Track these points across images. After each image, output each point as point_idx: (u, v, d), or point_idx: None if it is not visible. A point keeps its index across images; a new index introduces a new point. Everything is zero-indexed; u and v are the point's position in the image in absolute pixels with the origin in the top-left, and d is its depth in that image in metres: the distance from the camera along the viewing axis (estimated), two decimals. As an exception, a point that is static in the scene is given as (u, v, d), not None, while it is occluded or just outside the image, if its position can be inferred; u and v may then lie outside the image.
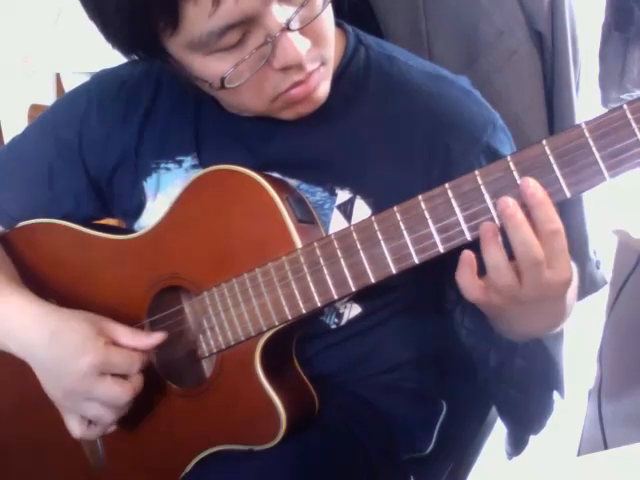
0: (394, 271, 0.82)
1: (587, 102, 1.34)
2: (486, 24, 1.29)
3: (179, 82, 0.99)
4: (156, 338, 0.98)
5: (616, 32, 1.35)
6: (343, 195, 0.99)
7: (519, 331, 0.94)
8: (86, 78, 1.15)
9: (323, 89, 0.93)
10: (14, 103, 2.18)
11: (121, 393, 0.95)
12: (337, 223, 0.98)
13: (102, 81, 1.12)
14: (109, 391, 0.94)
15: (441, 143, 0.96)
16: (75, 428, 1.00)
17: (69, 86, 2.04)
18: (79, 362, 0.94)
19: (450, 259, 0.96)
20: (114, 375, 0.95)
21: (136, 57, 0.93)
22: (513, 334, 0.96)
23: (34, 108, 2.09)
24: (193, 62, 0.88)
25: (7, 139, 1.20)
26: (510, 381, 1.20)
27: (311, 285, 0.88)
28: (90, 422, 1.00)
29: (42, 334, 0.98)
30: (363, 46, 1.02)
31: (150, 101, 1.08)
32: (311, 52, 0.87)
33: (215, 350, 0.98)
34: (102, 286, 1.06)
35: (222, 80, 0.87)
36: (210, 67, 0.87)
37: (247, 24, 0.83)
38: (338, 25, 1.02)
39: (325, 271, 0.86)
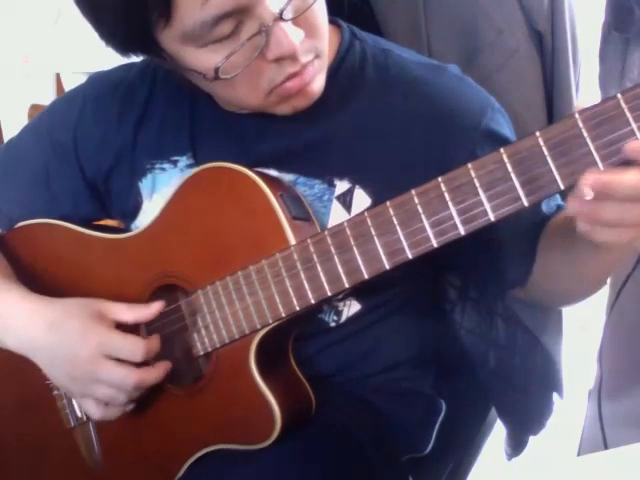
0: (387, 266, 0.82)
1: (587, 102, 1.34)
2: (486, 23, 1.29)
3: (174, 79, 0.99)
4: (154, 308, 0.98)
5: (616, 32, 1.34)
6: (342, 185, 0.99)
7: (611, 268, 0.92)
8: (86, 78, 1.15)
9: (318, 83, 0.93)
10: (14, 103, 2.18)
11: (125, 376, 0.95)
12: (337, 214, 0.98)
13: (97, 83, 1.12)
14: (113, 373, 0.95)
15: (440, 130, 0.96)
16: (93, 411, 1.00)
17: (69, 86, 2.04)
18: (82, 346, 0.94)
19: (449, 258, 0.96)
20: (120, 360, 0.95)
21: (132, 55, 0.93)
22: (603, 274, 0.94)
23: (34, 108, 2.09)
24: (186, 55, 0.88)
25: (7, 139, 1.20)
26: (509, 381, 1.20)
27: (305, 282, 0.87)
28: (107, 403, 1.00)
29: (40, 326, 0.98)
30: (358, 40, 1.02)
31: (145, 102, 1.08)
32: (305, 43, 0.87)
33: (210, 349, 0.97)
34: (99, 285, 1.05)
35: (216, 71, 0.86)
36: (203, 59, 0.87)
37: (240, 14, 0.83)
38: (332, 21, 1.02)
39: (319, 268, 0.86)
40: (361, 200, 0.98)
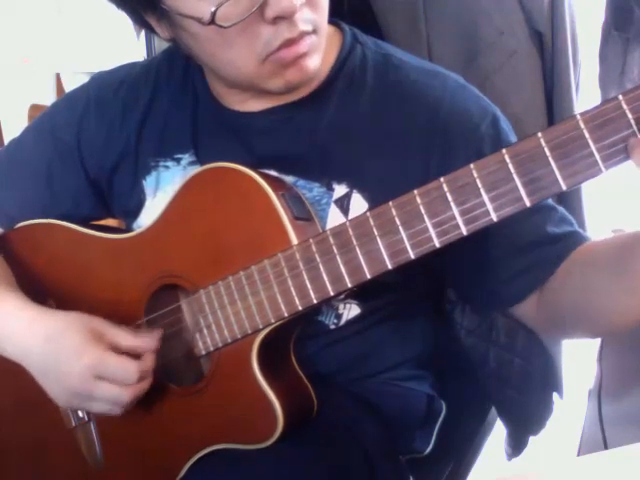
0: (390, 266, 0.82)
1: (587, 102, 1.34)
2: (486, 24, 1.29)
3: (176, 70, 1.01)
4: (155, 336, 0.97)
5: (616, 32, 1.34)
6: (340, 190, 0.99)
7: None
8: (86, 78, 1.16)
9: (314, 61, 0.93)
10: (14, 103, 2.19)
11: (120, 394, 0.94)
12: (334, 218, 0.98)
13: (100, 82, 1.13)
14: (108, 393, 0.94)
15: (439, 136, 0.96)
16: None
17: (69, 86, 2.05)
18: (75, 364, 0.94)
19: (449, 258, 0.97)
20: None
21: (135, 15, 0.96)
22: None
23: (34, 108, 2.10)
24: (185, 4, 0.88)
25: (7, 139, 1.20)
26: (509, 381, 1.20)
27: (307, 282, 0.87)
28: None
29: (37, 338, 0.98)
30: (359, 44, 1.03)
31: (148, 101, 1.08)
32: (304, 12, 0.88)
33: (212, 348, 0.97)
34: (100, 285, 1.06)
35: (213, 15, 0.85)
36: (202, 8, 0.86)
37: None
38: (335, 24, 1.03)
39: (321, 267, 0.86)
40: (358, 205, 0.98)
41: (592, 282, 0.88)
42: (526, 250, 0.95)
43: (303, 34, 0.89)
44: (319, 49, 0.93)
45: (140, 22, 0.98)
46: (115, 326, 0.98)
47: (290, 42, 0.89)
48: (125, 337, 0.97)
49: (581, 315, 0.92)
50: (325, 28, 0.94)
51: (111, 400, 0.95)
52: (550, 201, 0.97)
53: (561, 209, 0.98)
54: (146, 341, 0.97)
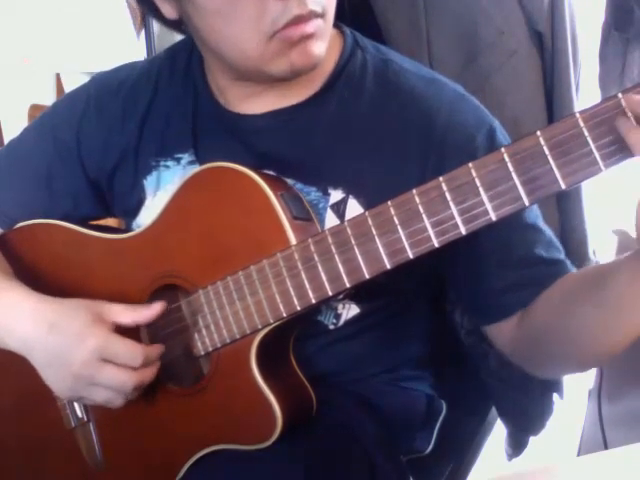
0: (388, 266, 0.82)
1: (587, 102, 1.34)
2: (486, 24, 1.30)
3: (181, 54, 1.03)
4: (154, 309, 0.98)
5: (616, 32, 1.35)
6: (336, 195, 0.99)
7: None
8: (86, 78, 1.16)
9: (319, 47, 0.93)
10: (14, 103, 2.19)
11: (125, 380, 0.94)
12: (331, 223, 0.98)
13: (101, 83, 1.13)
14: (112, 377, 0.94)
15: (435, 145, 0.96)
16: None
17: (69, 86, 2.06)
18: (80, 348, 0.94)
19: (449, 258, 0.96)
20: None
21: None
22: None
23: (34, 108, 2.10)
24: None
25: (7, 139, 1.20)
26: (510, 381, 1.20)
27: (305, 282, 0.87)
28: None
29: (41, 327, 0.98)
30: (360, 48, 1.03)
31: (148, 101, 1.09)
32: None
33: (211, 348, 0.97)
34: (100, 285, 1.05)
35: None
36: None
37: None
38: (336, 26, 1.03)
39: (319, 267, 0.86)
40: (354, 211, 0.98)
41: (570, 309, 0.89)
42: (517, 265, 0.95)
43: (312, 14, 0.89)
44: (325, 36, 0.93)
45: (144, 2, 0.98)
46: (114, 304, 0.98)
47: (298, 19, 0.88)
48: (125, 314, 0.97)
49: (559, 343, 0.93)
50: (332, 16, 0.94)
51: (114, 385, 0.95)
52: (540, 224, 0.98)
53: (549, 232, 0.98)
54: (145, 314, 0.97)
